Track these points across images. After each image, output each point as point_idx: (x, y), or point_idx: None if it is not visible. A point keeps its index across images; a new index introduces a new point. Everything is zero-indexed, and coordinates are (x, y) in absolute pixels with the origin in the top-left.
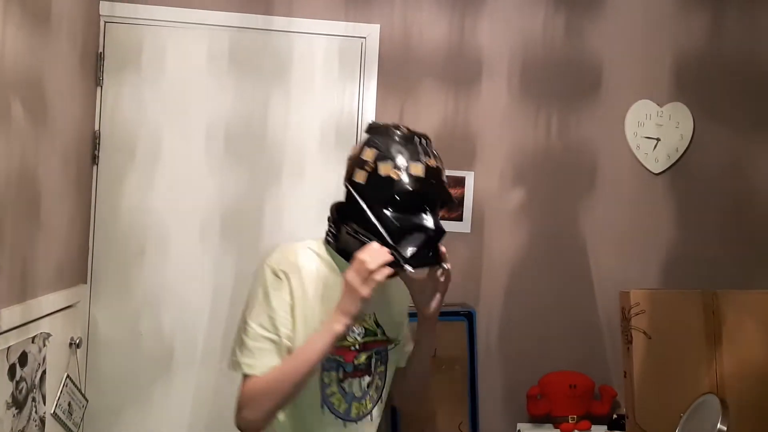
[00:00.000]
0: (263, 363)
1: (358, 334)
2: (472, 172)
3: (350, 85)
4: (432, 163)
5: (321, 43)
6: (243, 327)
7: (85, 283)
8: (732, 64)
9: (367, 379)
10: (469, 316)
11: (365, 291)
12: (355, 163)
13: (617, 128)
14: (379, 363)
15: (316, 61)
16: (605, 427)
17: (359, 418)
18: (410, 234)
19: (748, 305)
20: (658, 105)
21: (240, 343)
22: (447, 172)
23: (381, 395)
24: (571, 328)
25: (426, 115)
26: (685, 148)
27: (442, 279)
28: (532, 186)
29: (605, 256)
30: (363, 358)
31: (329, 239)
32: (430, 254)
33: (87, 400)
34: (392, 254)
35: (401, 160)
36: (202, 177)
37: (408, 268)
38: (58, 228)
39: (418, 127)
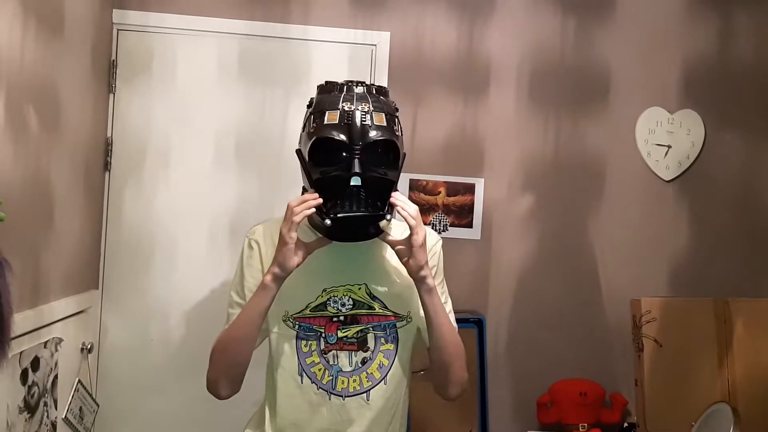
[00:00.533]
0: None
1: (343, 305)
2: (482, 179)
3: None
4: (351, 106)
5: (331, 51)
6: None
7: (97, 288)
8: (743, 71)
9: (361, 354)
10: (479, 323)
11: (285, 233)
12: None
13: (628, 135)
14: (383, 340)
15: (325, 68)
16: None
17: (348, 394)
18: (334, 186)
19: (760, 313)
20: (669, 112)
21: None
22: (457, 179)
23: (386, 377)
24: (582, 335)
25: (436, 123)
26: (696, 155)
27: (411, 233)
28: (541, 193)
29: (616, 263)
30: (353, 331)
31: None
32: (371, 206)
33: (98, 405)
34: (317, 208)
35: (320, 112)
36: (212, 183)
37: (326, 221)
38: (71, 233)
39: (429, 134)
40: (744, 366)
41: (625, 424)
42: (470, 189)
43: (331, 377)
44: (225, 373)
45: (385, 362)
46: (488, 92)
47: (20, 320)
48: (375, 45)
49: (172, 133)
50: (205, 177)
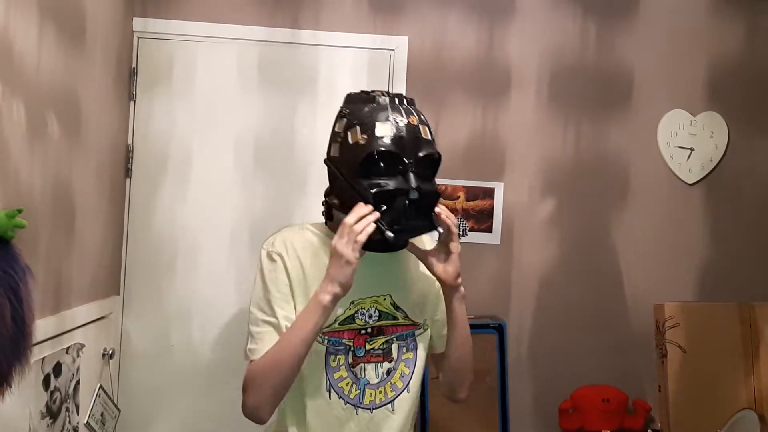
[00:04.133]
0: (264, 347)
1: (370, 317)
2: (502, 184)
3: None
4: (401, 119)
5: (349, 56)
6: (248, 315)
7: (118, 294)
8: (767, 72)
9: (386, 365)
10: (500, 329)
11: (349, 253)
12: (330, 138)
13: (650, 138)
14: (405, 350)
15: (344, 73)
16: None
17: (375, 406)
18: (391, 200)
19: None
20: (692, 114)
21: (247, 332)
22: (477, 184)
23: (408, 385)
24: (604, 341)
25: (455, 127)
26: (719, 157)
27: (449, 242)
28: (562, 197)
29: (638, 267)
30: (379, 342)
31: (324, 218)
32: (421, 219)
33: (119, 411)
34: (376, 222)
35: (368, 124)
36: (232, 189)
37: (389, 234)
38: (92, 240)
39: (448, 139)
40: None
41: (649, 431)
42: (490, 193)
43: (358, 391)
44: (272, 398)
45: (406, 371)
46: (508, 96)
47: (42, 326)
48: (393, 50)
49: (192, 140)
50: (226, 183)
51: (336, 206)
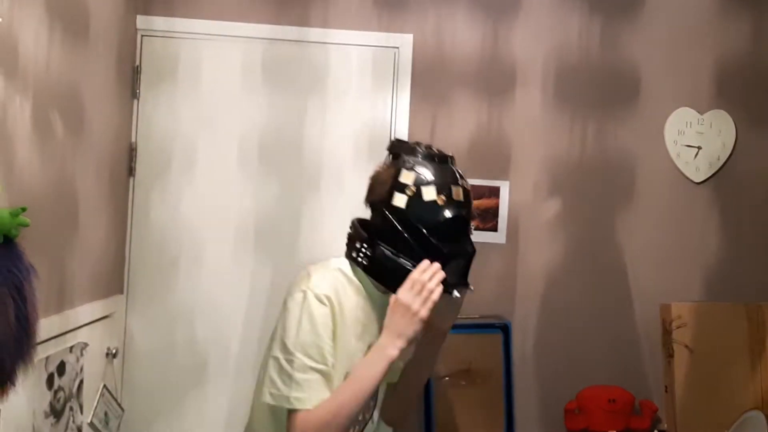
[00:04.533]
0: (314, 395)
1: None
2: (507, 182)
3: (383, 96)
4: (467, 185)
5: (354, 54)
6: (287, 357)
7: (122, 293)
8: None
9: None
10: (505, 329)
11: (424, 312)
12: (393, 185)
13: (657, 136)
14: None
15: (348, 71)
16: None
17: None
18: (453, 260)
19: None
20: (699, 112)
21: (282, 374)
22: (482, 182)
23: (372, 415)
24: (610, 341)
25: (459, 125)
26: (727, 156)
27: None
28: (568, 196)
29: (645, 267)
30: None
31: (360, 260)
32: (465, 277)
33: (123, 410)
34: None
35: (443, 185)
36: (237, 188)
37: (455, 293)
38: (95, 239)
39: (453, 137)
40: None
41: None
42: (495, 192)
43: (352, 429)
44: None
45: (371, 403)
46: (513, 94)
47: (46, 325)
48: (398, 48)
49: (196, 138)
50: (230, 181)
51: (390, 253)
